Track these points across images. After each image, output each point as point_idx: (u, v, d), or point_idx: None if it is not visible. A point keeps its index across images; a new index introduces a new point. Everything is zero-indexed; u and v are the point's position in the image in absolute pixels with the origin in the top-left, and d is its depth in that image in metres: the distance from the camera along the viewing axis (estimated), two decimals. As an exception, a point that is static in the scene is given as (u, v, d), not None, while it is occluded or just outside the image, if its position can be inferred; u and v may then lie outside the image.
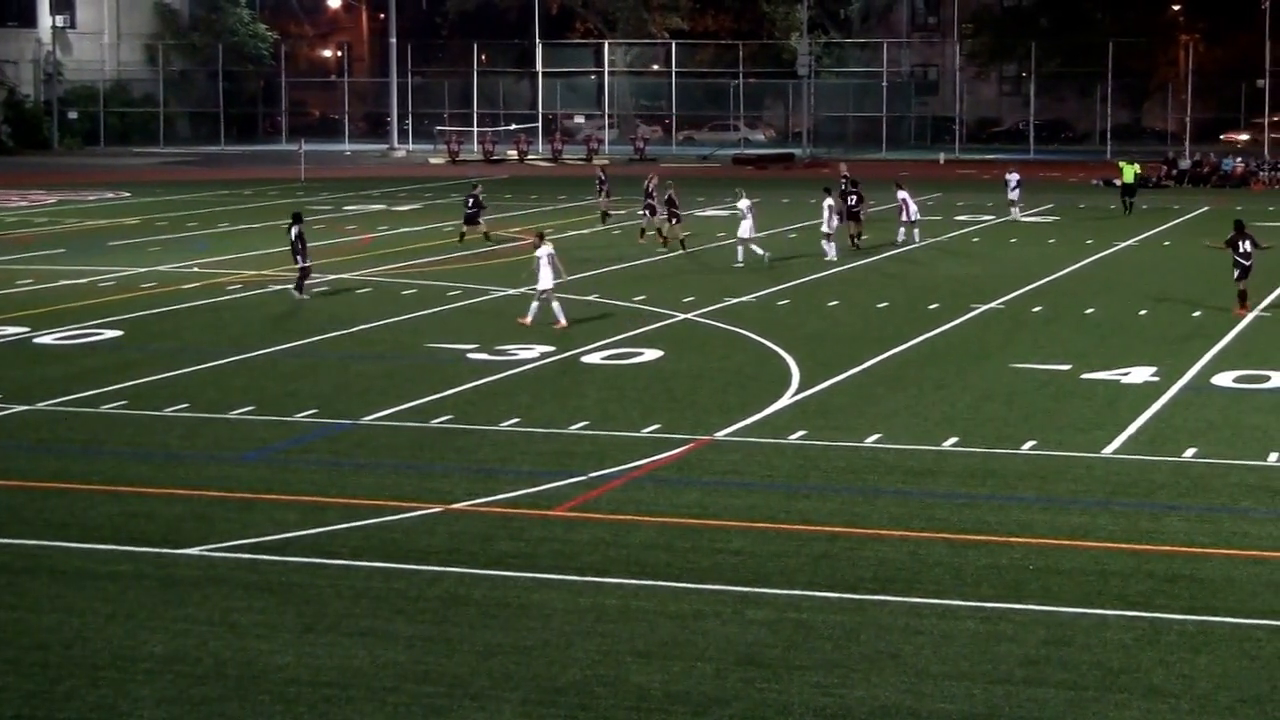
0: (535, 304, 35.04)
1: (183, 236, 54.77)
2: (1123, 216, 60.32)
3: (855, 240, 49.65)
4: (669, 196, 48.68)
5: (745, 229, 45.70)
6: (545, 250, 34.96)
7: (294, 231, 39.35)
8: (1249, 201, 68.20)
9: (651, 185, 51.67)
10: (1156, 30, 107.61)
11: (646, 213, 51.32)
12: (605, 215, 57.45)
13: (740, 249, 45.71)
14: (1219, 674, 15.36)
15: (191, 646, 16.09)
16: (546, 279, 34.85)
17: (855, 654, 15.87)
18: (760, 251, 45.46)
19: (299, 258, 39.40)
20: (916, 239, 51.11)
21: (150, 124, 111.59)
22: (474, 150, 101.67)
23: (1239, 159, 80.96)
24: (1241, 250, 35.94)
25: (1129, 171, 62.26)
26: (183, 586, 17.98)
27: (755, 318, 36.30)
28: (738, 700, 14.80)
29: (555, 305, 34.87)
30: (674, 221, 48.84)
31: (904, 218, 51.20)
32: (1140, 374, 29.73)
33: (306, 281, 39.74)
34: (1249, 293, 36.49)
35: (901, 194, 51.29)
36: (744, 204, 46.00)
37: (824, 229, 47.10)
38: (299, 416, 26.49)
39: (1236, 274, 36.16)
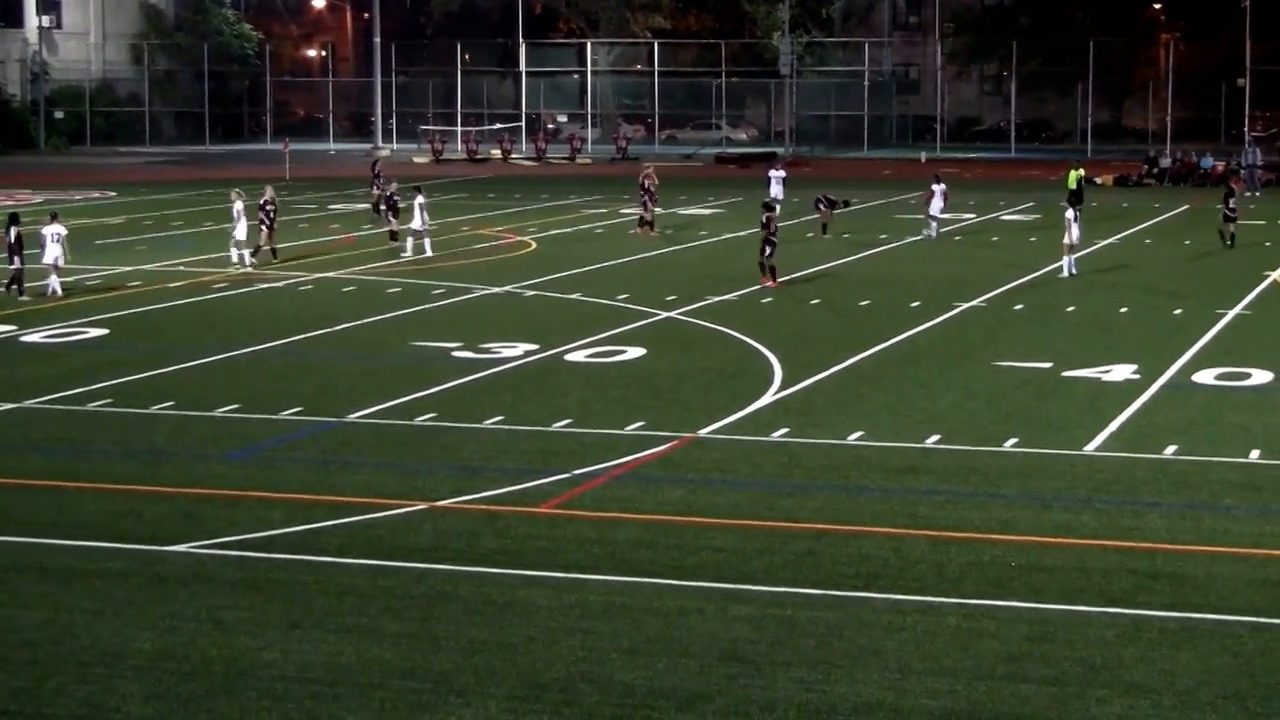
0: (52, 277, 39.52)
1: (168, 235, 54.77)
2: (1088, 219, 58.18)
3: (826, 229, 53.09)
4: (266, 205, 46.31)
5: (240, 230, 45.17)
6: (51, 229, 39.53)
7: (13, 233, 39.06)
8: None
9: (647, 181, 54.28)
10: (1137, 29, 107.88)
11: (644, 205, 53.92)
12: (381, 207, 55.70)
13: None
14: (1200, 670, 15.45)
15: (179, 643, 16.15)
16: (51, 254, 39.24)
17: (838, 650, 15.96)
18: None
19: (15, 259, 38.96)
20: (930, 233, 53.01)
21: (136, 124, 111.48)
22: (458, 149, 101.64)
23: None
24: (772, 230, 41.00)
25: (1073, 178, 58.24)
26: (170, 584, 18.03)
27: (737, 316, 36.38)
28: (721, 696, 14.88)
29: (54, 278, 39.55)
30: (270, 231, 46.35)
31: (934, 211, 53.12)
32: (1121, 372, 29.84)
33: (18, 284, 39.04)
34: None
35: (939, 186, 53.16)
36: (239, 206, 45.36)
37: (235, 234, 45.51)
38: (285, 415, 26.54)
39: (769, 252, 40.73)
